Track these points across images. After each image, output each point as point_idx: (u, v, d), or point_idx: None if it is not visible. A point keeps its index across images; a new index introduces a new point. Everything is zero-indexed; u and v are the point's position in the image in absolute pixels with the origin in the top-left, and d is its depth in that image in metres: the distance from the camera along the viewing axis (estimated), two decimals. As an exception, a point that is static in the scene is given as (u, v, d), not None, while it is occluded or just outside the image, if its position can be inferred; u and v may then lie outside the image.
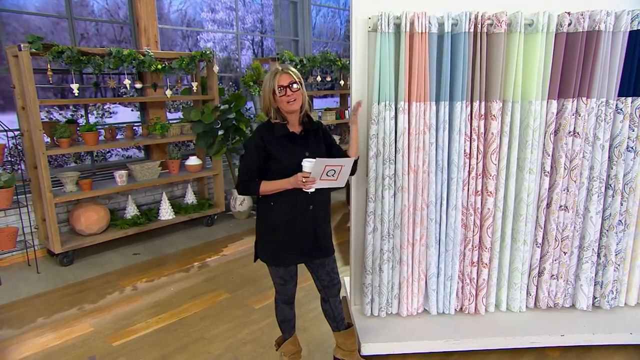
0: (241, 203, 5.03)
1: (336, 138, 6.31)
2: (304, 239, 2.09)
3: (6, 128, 3.63)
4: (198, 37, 6.61)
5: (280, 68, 2.00)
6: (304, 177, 1.92)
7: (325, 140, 2.16)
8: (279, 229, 2.06)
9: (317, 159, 1.89)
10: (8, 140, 3.70)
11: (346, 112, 6.36)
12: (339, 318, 2.30)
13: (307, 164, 1.93)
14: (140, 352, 2.59)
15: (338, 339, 2.35)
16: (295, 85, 1.99)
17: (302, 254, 2.12)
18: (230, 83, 6.33)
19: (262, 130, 2.02)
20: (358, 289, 2.79)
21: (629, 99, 2.48)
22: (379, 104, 2.42)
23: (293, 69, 2.03)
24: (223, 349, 2.58)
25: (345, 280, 3.16)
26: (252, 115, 5.53)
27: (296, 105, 2.00)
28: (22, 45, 3.39)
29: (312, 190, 1.99)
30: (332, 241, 2.21)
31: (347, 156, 2.15)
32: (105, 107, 6.71)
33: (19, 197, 3.81)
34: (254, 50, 6.86)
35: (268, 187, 2.00)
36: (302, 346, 2.56)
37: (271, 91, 1.98)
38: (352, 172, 2.13)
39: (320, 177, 1.93)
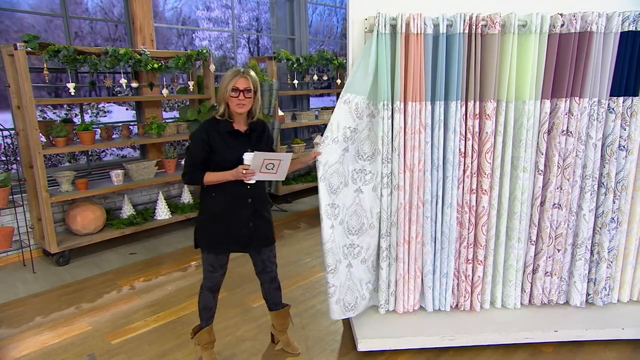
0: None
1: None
2: (241, 230, 2.23)
3: (1, 127, 3.62)
4: (193, 35, 6.60)
5: (242, 70, 2.12)
6: (244, 169, 2.07)
7: (267, 141, 2.29)
8: (217, 218, 2.20)
9: (255, 152, 2.05)
10: (4, 139, 3.69)
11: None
12: (271, 302, 2.47)
13: (247, 156, 2.09)
14: (140, 349, 2.61)
15: (271, 316, 2.54)
16: (249, 92, 2.12)
17: (238, 244, 2.25)
18: (226, 82, 6.33)
19: (208, 126, 2.16)
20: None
21: (621, 98, 2.53)
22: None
23: (254, 75, 2.15)
24: (222, 346, 2.60)
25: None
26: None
27: (244, 109, 2.15)
28: (18, 44, 3.38)
29: (253, 182, 2.16)
30: (273, 232, 2.34)
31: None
32: (99, 106, 6.68)
33: (14, 196, 3.80)
34: (249, 48, 6.86)
35: (211, 177, 2.14)
36: (300, 342, 2.60)
37: (226, 89, 2.11)
38: None
39: (259, 170, 2.09)
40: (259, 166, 2.08)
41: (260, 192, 2.27)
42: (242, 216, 2.21)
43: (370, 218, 2.54)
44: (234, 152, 2.13)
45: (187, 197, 4.87)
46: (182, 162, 3.94)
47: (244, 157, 2.11)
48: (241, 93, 2.10)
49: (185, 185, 4.92)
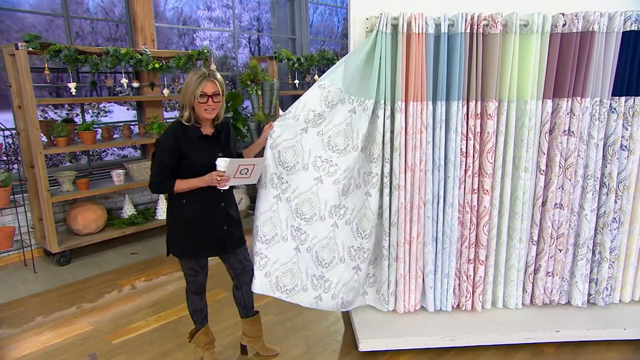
0: (238, 202, 5.04)
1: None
2: (216, 233, 2.18)
3: (2, 127, 3.62)
4: (194, 35, 6.60)
5: (207, 73, 2.01)
6: (219, 176, 2.01)
7: (233, 142, 2.25)
8: (191, 225, 2.13)
9: (230, 159, 2.00)
10: (5, 139, 3.69)
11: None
12: (249, 305, 2.40)
13: (222, 163, 2.03)
14: (141, 349, 2.61)
15: (244, 325, 2.45)
16: (217, 97, 2.03)
17: (215, 247, 2.20)
18: (227, 82, 6.34)
19: (176, 131, 2.04)
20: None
21: (623, 98, 2.52)
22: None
23: (220, 77, 2.05)
24: (223, 346, 2.60)
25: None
26: (249, 114, 5.54)
27: (213, 115, 2.06)
28: (19, 44, 3.39)
29: (226, 187, 2.12)
30: (243, 232, 2.32)
31: (242, 155, 2.31)
32: (100, 106, 6.68)
33: (15, 196, 3.81)
34: (250, 48, 6.86)
35: (183, 185, 2.06)
36: (301, 343, 2.59)
37: (193, 94, 1.99)
38: None
39: (234, 175, 2.05)
40: (234, 172, 2.05)
41: (231, 193, 2.23)
42: (215, 221, 2.16)
43: (322, 210, 2.45)
44: (205, 157, 2.06)
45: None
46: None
47: (217, 163, 2.04)
48: (209, 98, 1.99)
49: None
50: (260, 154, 2.36)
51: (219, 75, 2.05)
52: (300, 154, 2.40)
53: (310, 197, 2.43)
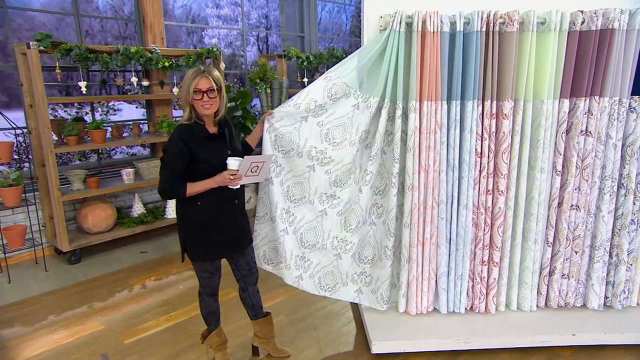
0: (247, 201, 5.03)
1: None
2: (232, 232, 2.18)
3: (14, 126, 3.63)
4: (203, 33, 6.59)
5: (202, 69, 2.00)
6: (232, 175, 2.01)
7: (236, 138, 2.25)
8: (208, 226, 2.12)
9: (245, 157, 2.02)
10: (16, 138, 3.71)
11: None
12: (257, 307, 2.39)
13: (234, 162, 2.03)
14: (152, 349, 2.60)
15: (255, 327, 2.44)
16: (212, 92, 2.01)
17: (232, 246, 2.20)
18: (235, 79, 6.32)
19: (184, 135, 2.01)
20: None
21: (642, 97, 2.47)
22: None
23: (216, 73, 2.04)
24: (235, 346, 2.59)
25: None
26: (257, 113, 5.52)
27: (211, 110, 2.04)
28: (31, 43, 3.39)
29: (238, 186, 2.11)
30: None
31: (246, 143, 2.37)
32: (109, 104, 6.69)
33: (26, 195, 3.82)
34: (259, 46, 6.83)
35: (195, 189, 2.04)
36: (312, 344, 2.58)
37: (188, 91, 1.99)
38: None
39: (245, 174, 2.06)
40: (246, 170, 2.05)
41: (242, 189, 2.22)
42: (231, 220, 2.17)
43: (312, 195, 2.51)
44: (218, 156, 2.05)
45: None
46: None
47: (228, 162, 2.03)
48: (204, 94, 1.98)
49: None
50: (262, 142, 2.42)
51: (215, 72, 2.04)
52: (296, 142, 2.44)
53: (302, 181, 2.51)
